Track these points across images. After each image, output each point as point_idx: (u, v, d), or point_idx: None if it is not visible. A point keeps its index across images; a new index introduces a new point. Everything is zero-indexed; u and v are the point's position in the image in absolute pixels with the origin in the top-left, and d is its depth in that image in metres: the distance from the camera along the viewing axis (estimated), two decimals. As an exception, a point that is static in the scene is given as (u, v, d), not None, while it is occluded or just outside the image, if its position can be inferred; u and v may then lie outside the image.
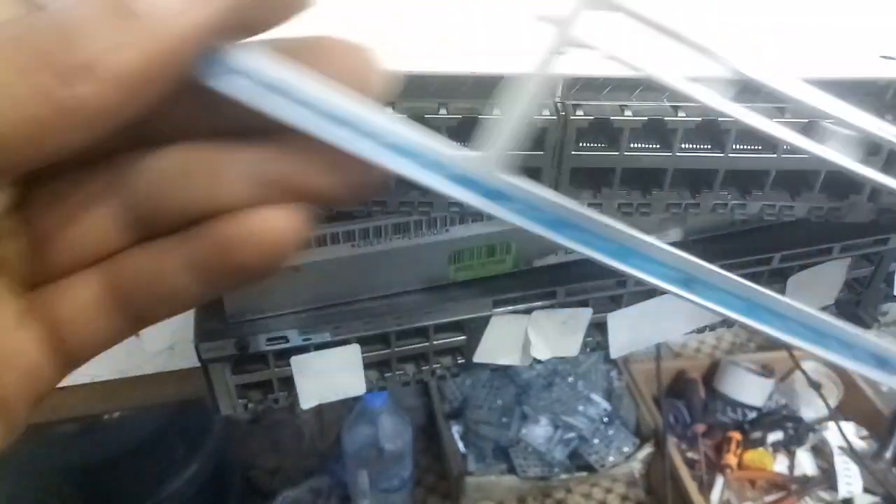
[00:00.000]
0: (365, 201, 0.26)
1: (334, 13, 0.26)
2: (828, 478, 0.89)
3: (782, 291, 0.40)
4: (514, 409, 0.93)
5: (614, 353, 0.39)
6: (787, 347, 0.72)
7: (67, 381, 0.41)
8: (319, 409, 0.94)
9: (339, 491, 0.91)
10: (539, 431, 0.90)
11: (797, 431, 0.94)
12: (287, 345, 0.34)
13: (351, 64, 0.14)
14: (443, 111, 0.24)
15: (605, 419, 0.93)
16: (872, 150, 0.25)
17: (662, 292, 0.16)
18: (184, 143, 0.14)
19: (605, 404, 0.94)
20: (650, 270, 0.16)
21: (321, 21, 0.16)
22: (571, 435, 0.90)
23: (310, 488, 0.91)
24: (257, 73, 0.14)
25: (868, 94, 0.26)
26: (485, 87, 0.24)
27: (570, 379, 0.95)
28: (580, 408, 0.92)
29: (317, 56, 0.14)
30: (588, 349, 0.39)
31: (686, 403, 0.97)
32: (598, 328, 0.39)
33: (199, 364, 0.34)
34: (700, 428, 0.94)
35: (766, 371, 0.99)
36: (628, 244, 0.16)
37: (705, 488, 0.87)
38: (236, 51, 0.14)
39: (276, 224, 0.14)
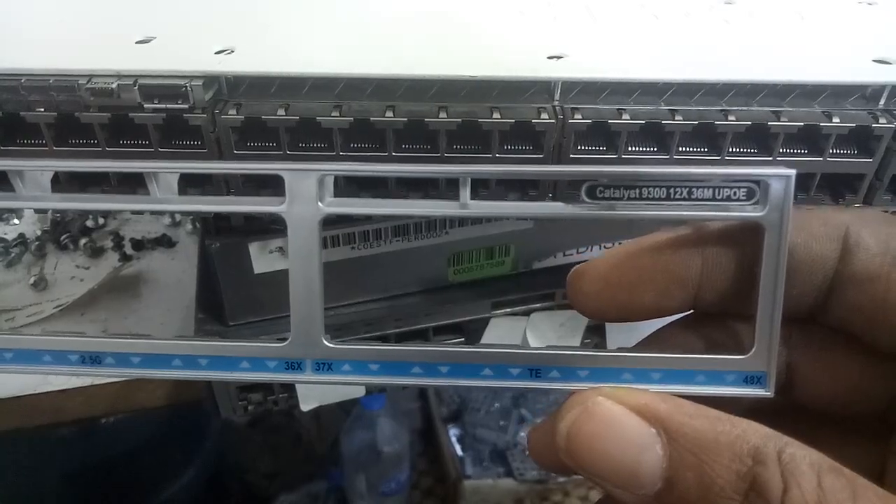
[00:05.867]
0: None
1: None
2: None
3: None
4: (512, 412, 0.93)
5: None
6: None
7: (66, 385, 0.41)
8: (317, 414, 0.94)
9: (337, 495, 0.91)
10: (537, 434, 0.90)
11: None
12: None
13: None
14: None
15: (603, 422, 0.93)
16: (867, 151, 0.26)
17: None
18: None
19: (602, 407, 0.94)
20: (502, 376, 0.17)
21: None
22: (569, 438, 0.90)
23: (307, 493, 0.91)
24: None
25: (862, 97, 0.26)
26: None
27: (568, 382, 0.96)
28: (578, 410, 0.92)
29: None
30: (586, 351, 0.39)
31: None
32: (596, 330, 0.39)
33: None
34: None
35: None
36: (472, 360, 0.16)
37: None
38: None
39: None
